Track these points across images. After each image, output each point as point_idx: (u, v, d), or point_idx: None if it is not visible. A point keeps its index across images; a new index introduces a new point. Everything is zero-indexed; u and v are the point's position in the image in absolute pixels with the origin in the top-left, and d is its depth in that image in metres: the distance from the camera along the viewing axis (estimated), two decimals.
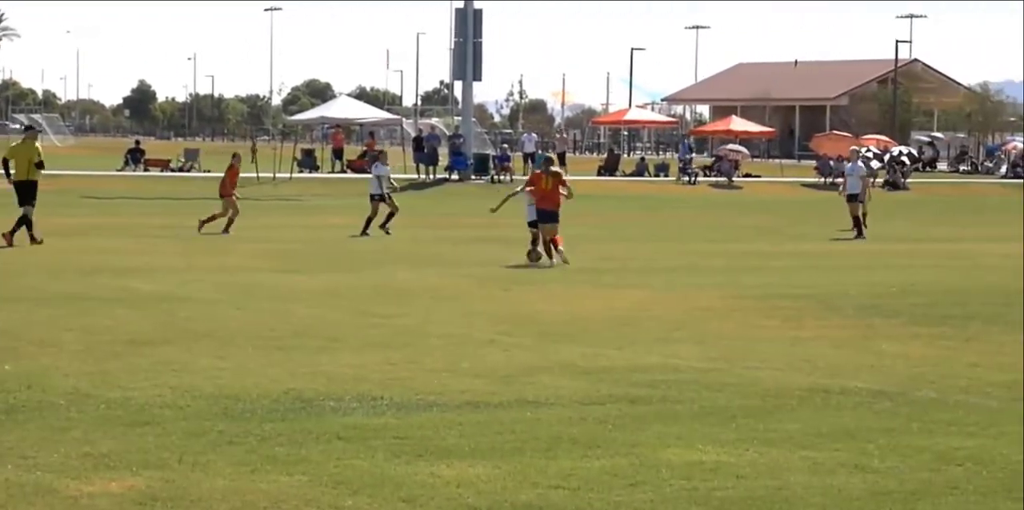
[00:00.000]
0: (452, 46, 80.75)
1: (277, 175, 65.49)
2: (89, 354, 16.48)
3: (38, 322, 19.10)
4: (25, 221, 32.05)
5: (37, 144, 33.64)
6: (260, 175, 62.15)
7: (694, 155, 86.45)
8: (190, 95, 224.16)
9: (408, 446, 11.99)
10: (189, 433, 12.28)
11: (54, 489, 10.25)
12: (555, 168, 32.08)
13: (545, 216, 29.42)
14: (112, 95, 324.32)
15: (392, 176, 41.28)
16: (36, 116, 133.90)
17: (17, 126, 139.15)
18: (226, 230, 36.40)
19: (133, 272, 26.11)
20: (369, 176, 41.36)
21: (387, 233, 37.69)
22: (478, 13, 76.27)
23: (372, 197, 38.13)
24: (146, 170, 74.25)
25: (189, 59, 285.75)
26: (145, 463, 11.10)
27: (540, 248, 29.37)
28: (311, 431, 12.49)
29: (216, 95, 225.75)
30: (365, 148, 79.81)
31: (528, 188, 30.68)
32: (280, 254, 30.95)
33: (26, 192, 32.54)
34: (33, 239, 31.52)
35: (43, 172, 32.72)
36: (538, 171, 32.63)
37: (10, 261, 28.09)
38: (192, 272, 26.60)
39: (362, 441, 12.15)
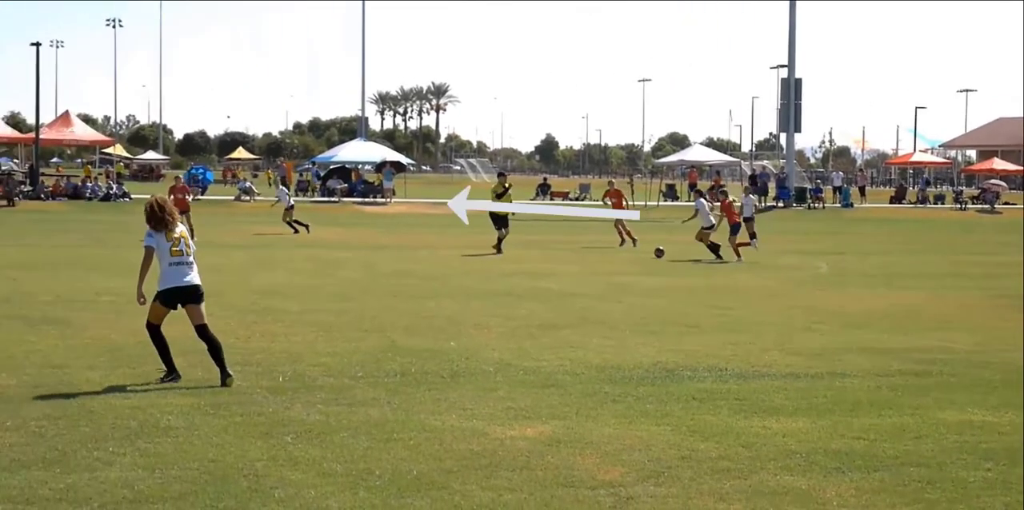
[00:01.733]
0: (779, 106, 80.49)
1: (647, 203, 65.64)
2: (510, 335, 16.81)
3: (474, 311, 19.51)
4: (500, 239, 33.16)
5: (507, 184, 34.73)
6: (635, 203, 62.50)
7: (964, 188, 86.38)
8: (584, 144, 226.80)
9: (746, 405, 12.02)
10: (583, 393, 12.50)
11: (485, 433, 10.58)
12: None
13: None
14: (526, 144, 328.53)
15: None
16: (472, 160, 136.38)
17: (458, 168, 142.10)
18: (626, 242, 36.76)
19: (541, 275, 26.53)
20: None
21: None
22: (798, 81, 76.45)
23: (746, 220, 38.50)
24: (551, 199, 75.13)
25: (583, 117, 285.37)
26: (552, 415, 11.36)
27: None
28: (673, 393, 12.59)
29: (602, 144, 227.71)
30: (713, 183, 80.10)
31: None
32: (650, 263, 31.00)
33: (499, 219, 33.79)
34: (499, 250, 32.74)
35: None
36: None
37: (454, 266, 28.79)
38: (583, 276, 26.89)
39: (711, 401, 12.21)
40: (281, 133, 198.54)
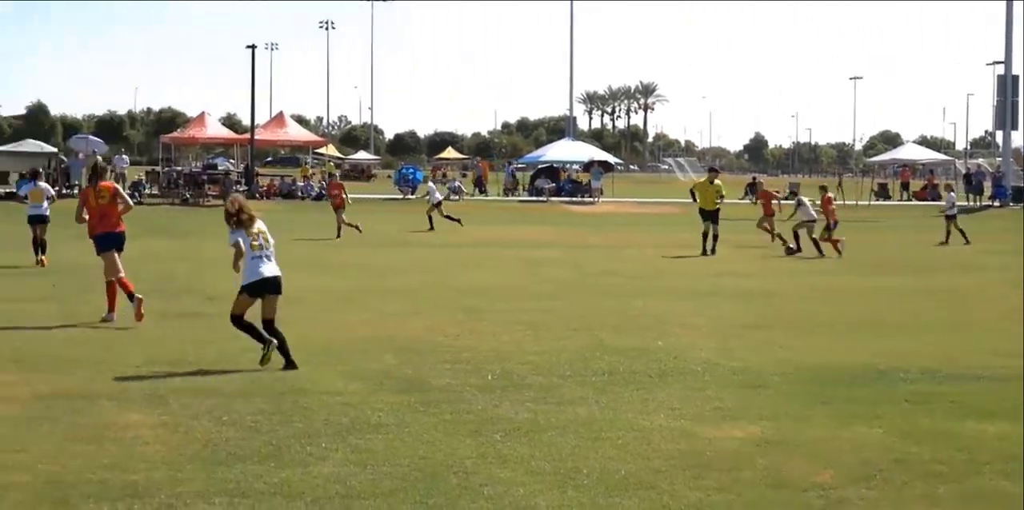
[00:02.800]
0: (995, 103, 78.46)
1: (858, 202, 64.49)
2: (716, 334, 16.65)
3: (680, 310, 19.40)
4: (714, 238, 31.97)
5: (718, 181, 33.42)
6: (846, 202, 61.47)
7: None
8: (793, 143, 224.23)
9: (961, 408, 11.70)
10: (792, 394, 12.31)
11: (693, 433, 10.49)
12: None
13: None
14: (735, 143, 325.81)
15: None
16: (680, 159, 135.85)
17: (666, 167, 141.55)
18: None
19: (747, 275, 26.31)
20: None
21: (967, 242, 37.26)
22: (1015, 78, 74.27)
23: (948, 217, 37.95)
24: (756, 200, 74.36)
25: (792, 116, 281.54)
26: (760, 416, 11.21)
27: None
28: (885, 395, 12.33)
29: (812, 142, 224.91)
30: (926, 183, 78.37)
31: None
32: (858, 264, 30.43)
33: (710, 216, 32.35)
34: (710, 252, 31.62)
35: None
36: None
37: (660, 266, 28.70)
38: (788, 275, 26.55)
39: (925, 404, 11.92)
40: (490, 133, 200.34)
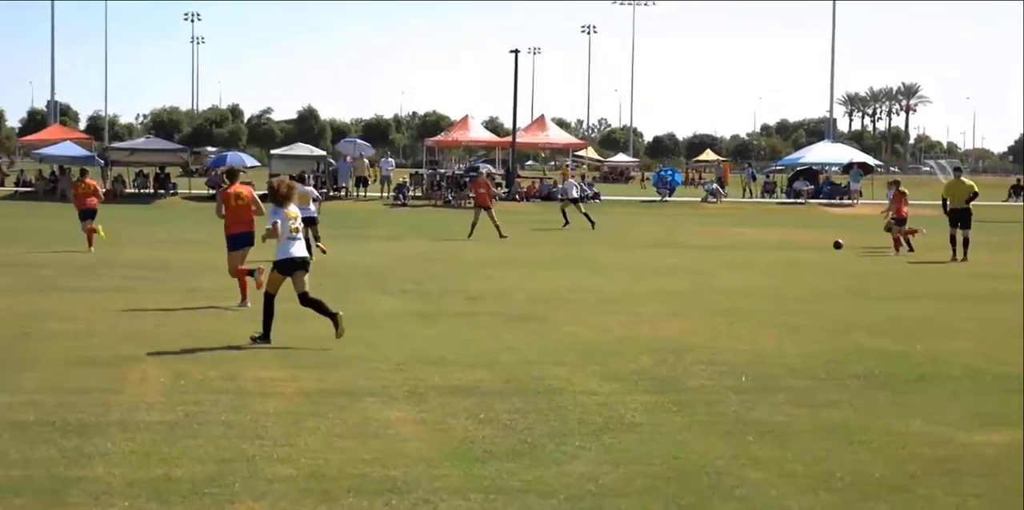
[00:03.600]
0: None
1: None
2: (981, 339, 16.20)
3: (943, 313, 18.98)
4: (965, 243, 29.98)
5: (968, 181, 31.52)
6: None
7: None
8: None
9: None
10: None
11: (951, 438, 10.23)
12: None
13: None
14: (999, 144, 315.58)
15: None
16: (943, 162, 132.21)
17: (927, 169, 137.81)
18: None
19: (1010, 278, 25.42)
20: None
21: None
22: None
23: None
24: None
25: None
26: (1021, 422, 10.89)
27: None
28: None
29: None
30: None
31: None
32: None
33: (962, 217, 30.27)
34: (960, 259, 29.77)
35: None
36: None
37: (918, 269, 28.03)
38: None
39: None
40: (748, 134, 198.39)
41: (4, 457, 9.14)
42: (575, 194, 46.08)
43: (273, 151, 74.04)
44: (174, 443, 9.66)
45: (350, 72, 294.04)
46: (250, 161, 66.92)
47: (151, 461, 9.10)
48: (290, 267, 14.89)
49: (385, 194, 63.83)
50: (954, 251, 30.17)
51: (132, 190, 63.16)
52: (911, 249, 32.15)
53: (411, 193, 62.82)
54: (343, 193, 63.49)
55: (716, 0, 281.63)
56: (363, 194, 63.72)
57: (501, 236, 36.42)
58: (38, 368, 12.86)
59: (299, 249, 15.08)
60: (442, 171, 69.47)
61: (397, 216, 52.15)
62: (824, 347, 15.23)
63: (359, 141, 75.80)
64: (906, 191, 33.71)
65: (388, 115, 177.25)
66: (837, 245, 33.02)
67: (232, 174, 20.04)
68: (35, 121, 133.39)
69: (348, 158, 66.41)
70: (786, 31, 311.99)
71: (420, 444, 9.80)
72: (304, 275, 14.94)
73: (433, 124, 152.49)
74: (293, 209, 15.29)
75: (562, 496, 8.40)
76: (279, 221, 14.90)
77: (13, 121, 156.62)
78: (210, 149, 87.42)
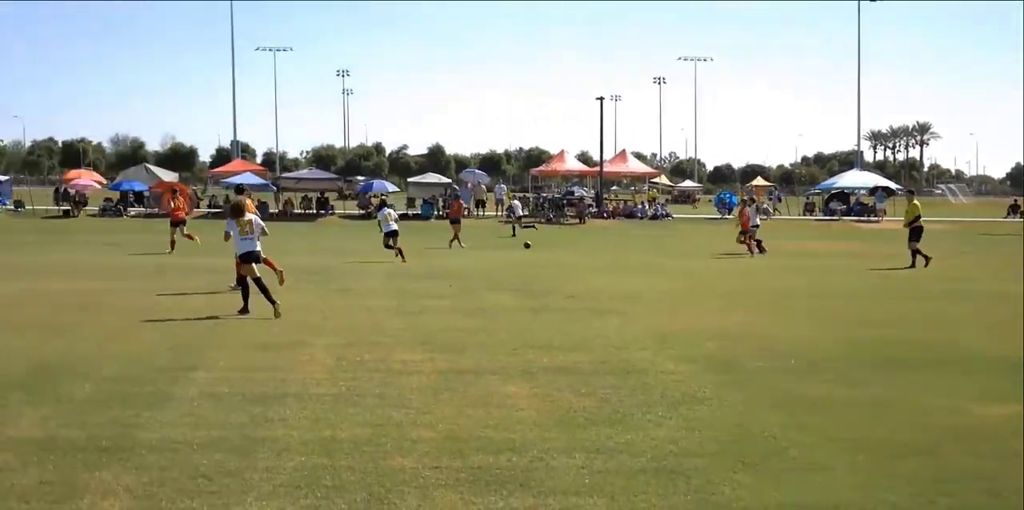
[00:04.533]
0: None
1: None
2: (988, 328, 15.87)
3: (951, 308, 18.63)
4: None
5: (916, 202, 29.65)
6: None
7: None
8: None
9: None
10: None
11: (967, 410, 10.01)
12: None
13: None
14: (999, 171, 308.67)
15: None
16: (952, 186, 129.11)
17: (939, 192, 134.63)
18: None
19: None
20: None
21: None
22: None
23: None
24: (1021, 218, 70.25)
25: None
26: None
27: None
28: None
29: None
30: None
31: None
32: None
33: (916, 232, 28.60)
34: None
35: None
36: None
37: (941, 271, 27.52)
38: None
39: None
40: (791, 164, 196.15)
41: (205, 421, 9.29)
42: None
43: (409, 179, 74.79)
44: (338, 411, 9.75)
45: (469, 116, 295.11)
46: (391, 187, 67.32)
47: (320, 425, 9.20)
48: (247, 259, 16.75)
49: (498, 213, 64.13)
50: (913, 260, 28.40)
51: (299, 211, 63.77)
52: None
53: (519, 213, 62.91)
54: (465, 213, 63.70)
55: (763, 61, 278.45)
56: (481, 213, 63.99)
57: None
58: (228, 350, 13.05)
59: (250, 246, 16.79)
60: (544, 195, 69.49)
61: (508, 231, 52.25)
62: (858, 335, 14.96)
63: (477, 171, 76.20)
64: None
65: (500, 149, 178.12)
66: None
67: (239, 206, 19.08)
68: (222, 156, 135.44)
69: (469, 185, 66.72)
70: (822, 81, 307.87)
71: (533, 413, 9.80)
72: (257, 265, 16.77)
73: (536, 157, 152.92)
74: (249, 217, 17.02)
75: (649, 456, 8.37)
76: (229, 230, 16.95)
77: (204, 156, 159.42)
78: (359, 178, 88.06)
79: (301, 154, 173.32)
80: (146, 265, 26.64)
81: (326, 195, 64.92)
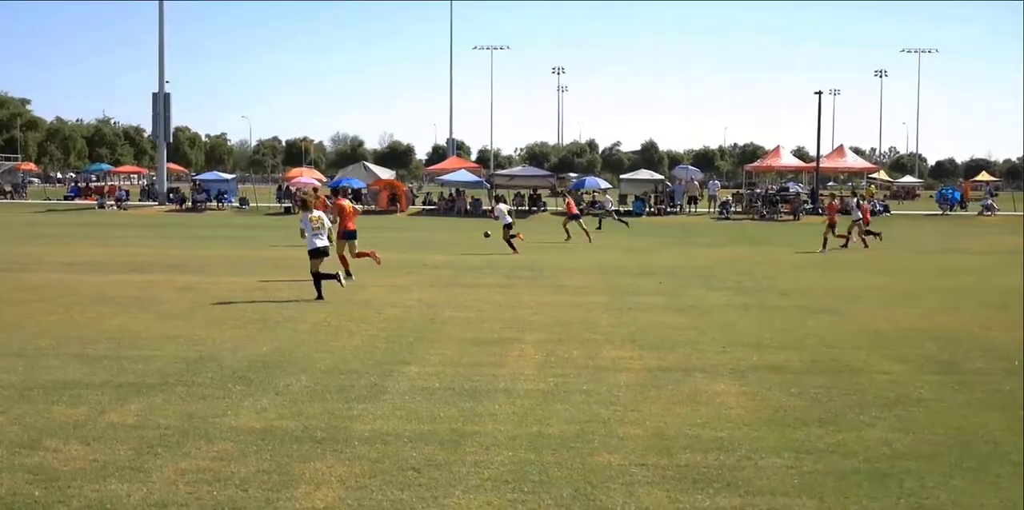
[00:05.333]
0: None
1: None
2: None
3: None
4: None
5: None
6: None
7: None
8: None
9: None
10: None
11: None
12: None
13: None
14: None
15: None
16: None
17: None
18: None
19: None
20: None
21: None
22: None
23: None
24: None
25: None
26: None
27: None
28: None
29: None
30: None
31: None
32: None
33: None
34: None
35: None
36: None
37: None
38: None
39: None
40: (1019, 158, 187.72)
41: (415, 414, 9.50)
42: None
43: (622, 176, 74.67)
44: (546, 407, 9.83)
45: (683, 112, 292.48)
46: (603, 184, 67.50)
47: (528, 420, 9.29)
48: (319, 254, 18.01)
49: (712, 210, 63.55)
50: None
51: (511, 207, 64.57)
52: None
53: (732, 209, 62.10)
54: (678, 209, 63.29)
55: (990, 52, 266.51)
56: (694, 210, 63.46)
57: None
58: (440, 346, 13.28)
59: (322, 241, 18.10)
60: (758, 191, 68.40)
61: (721, 227, 51.62)
62: None
63: (690, 167, 75.54)
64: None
65: (714, 146, 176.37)
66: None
67: (336, 192, 24.56)
68: (437, 154, 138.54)
69: (681, 182, 66.24)
70: None
71: (742, 412, 9.67)
72: (324, 257, 18.13)
73: (751, 153, 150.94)
74: (316, 213, 18.25)
75: (861, 457, 8.15)
76: (303, 226, 18.19)
77: (420, 154, 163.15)
78: (572, 175, 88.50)
79: (515, 151, 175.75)
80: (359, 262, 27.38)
81: (538, 192, 65.48)
